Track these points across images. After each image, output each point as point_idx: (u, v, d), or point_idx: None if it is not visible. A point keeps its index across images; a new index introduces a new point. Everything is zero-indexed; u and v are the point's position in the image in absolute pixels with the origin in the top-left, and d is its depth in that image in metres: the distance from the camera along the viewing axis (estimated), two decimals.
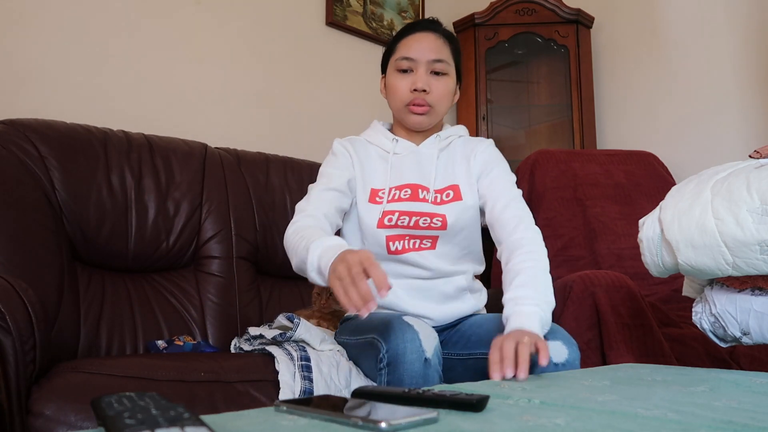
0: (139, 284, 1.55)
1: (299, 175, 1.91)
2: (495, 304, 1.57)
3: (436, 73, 1.29)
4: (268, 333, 1.32)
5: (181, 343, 1.44)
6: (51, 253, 1.33)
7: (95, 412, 0.48)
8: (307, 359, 1.20)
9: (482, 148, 1.36)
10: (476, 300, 1.34)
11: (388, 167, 1.32)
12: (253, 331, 1.40)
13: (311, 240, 1.05)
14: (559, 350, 1.07)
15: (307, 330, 1.28)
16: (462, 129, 1.41)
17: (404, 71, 1.29)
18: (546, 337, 1.07)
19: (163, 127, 1.79)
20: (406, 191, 1.29)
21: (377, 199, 1.28)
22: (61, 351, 1.26)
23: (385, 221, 1.25)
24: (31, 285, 1.10)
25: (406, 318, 1.10)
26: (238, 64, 2.21)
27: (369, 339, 1.13)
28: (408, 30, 1.33)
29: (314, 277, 1.04)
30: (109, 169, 1.54)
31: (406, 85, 1.28)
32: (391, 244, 1.26)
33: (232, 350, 1.44)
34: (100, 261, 1.50)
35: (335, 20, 2.52)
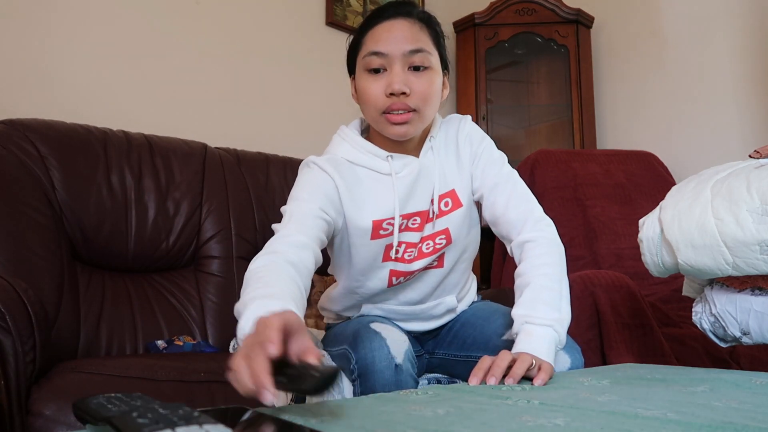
0: (139, 284, 1.55)
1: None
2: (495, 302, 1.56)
3: (416, 68, 1.03)
4: None
5: (181, 343, 1.45)
6: (51, 253, 1.33)
7: (82, 413, 0.47)
8: None
9: (466, 131, 1.15)
10: (466, 302, 1.24)
11: (393, 193, 1.07)
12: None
13: (252, 297, 0.82)
14: (561, 359, 1.01)
15: None
16: (439, 118, 1.17)
17: (375, 71, 1.03)
18: None
19: (163, 127, 1.79)
20: (414, 220, 1.09)
21: (381, 232, 1.07)
22: (61, 351, 1.26)
23: (391, 254, 1.08)
24: (31, 285, 1.10)
25: (373, 325, 1.00)
26: (239, 65, 2.21)
27: (342, 350, 1.03)
28: (374, 18, 1.05)
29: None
30: (109, 169, 1.54)
31: (380, 88, 1.02)
32: (394, 278, 1.10)
33: (231, 351, 1.44)
34: (100, 261, 1.50)
35: (335, 20, 2.52)
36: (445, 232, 1.11)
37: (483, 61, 2.78)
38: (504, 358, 0.86)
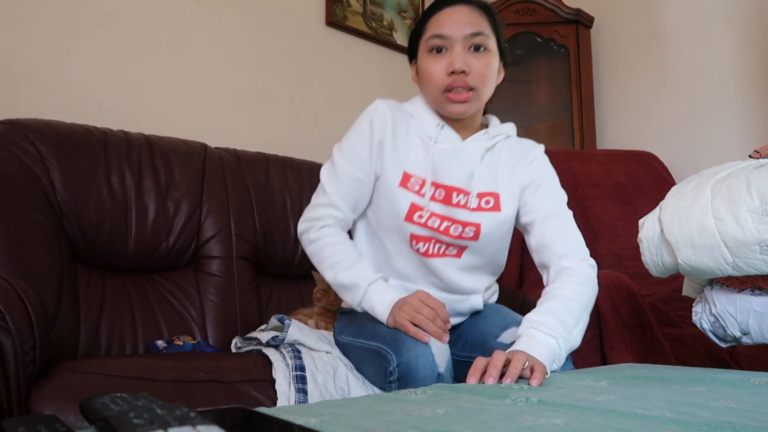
0: (138, 284, 1.55)
1: (299, 175, 1.91)
2: (505, 303, 1.56)
3: (476, 49, 1.11)
4: (263, 336, 1.32)
5: (181, 343, 1.45)
6: (51, 253, 1.33)
7: (87, 413, 0.47)
8: (302, 368, 1.17)
9: (534, 156, 1.23)
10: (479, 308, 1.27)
11: (427, 157, 1.16)
12: (250, 335, 1.41)
13: (363, 275, 1.13)
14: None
15: (299, 330, 1.26)
16: (511, 128, 1.26)
17: (438, 51, 1.12)
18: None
19: (162, 127, 1.79)
20: (440, 191, 1.15)
21: (408, 185, 1.14)
22: (61, 351, 1.26)
23: (415, 217, 1.13)
24: (31, 285, 1.10)
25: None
26: (238, 64, 2.21)
27: (376, 348, 1.09)
28: (438, 5, 1.15)
29: (356, 308, 1.15)
30: (109, 169, 1.54)
31: (442, 67, 1.11)
32: (414, 242, 1.15)
33: (233, 350, 1.44)
34: (100, 261, 1.50)
35: (335, 20, 2.51)
36: (477, 226, 1.15)
37: None
38: (498, 358, 0.88)
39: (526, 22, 2.77)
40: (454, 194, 1.15)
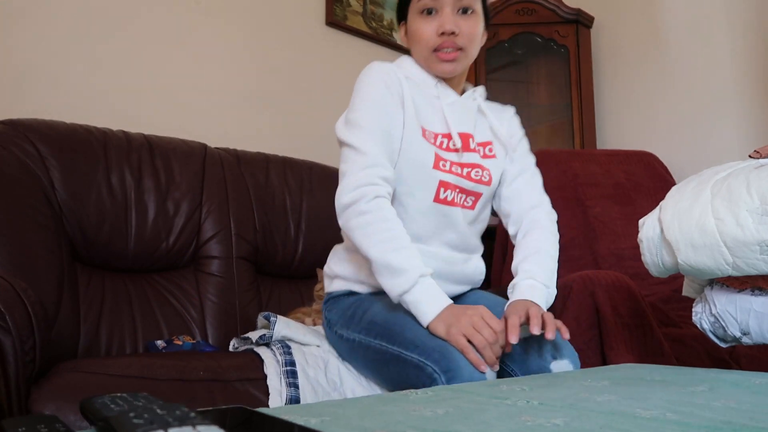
0: (138, 284, 1.55)
1: (299, 175, 1.91)
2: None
3: (464, 12, 1.18)
4: (253, 335, 1.33)
5: (181, 343, 1.45)
6: (51, 253, 1.33)
7: (87, 413, 0.47)
8: (293, 363, 1.17)
9: (510, 115, 1.35)
10: (477, 280, 1.31)
11: (438, 109, 1.21)
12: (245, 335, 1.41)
13: (415, 264, 1.05)
14: (562, 362, 1.07)
15: (285, 326, 1.26)
16: (483, 89, 1.33)
17: (428, 13, 1.17)
18: (554, 357, 1.07)
19: (162, 128, 1.79)
20: (455, 142, 1.19)
21: (428, 139, 1.18)
22: (61, 351, 1.26)
23: (440, 165, 1.16)
24: (31, 285, 1.10)
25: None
26: (238, 64, 2.21)
27: (416, 361, 1.00)
28: None
29: (394, 297, 1.06)
30: (108, 169, 1.54)
31: (432, 28, 1.17)
32: (442, 190, 1.17)
33: (231, 350, 1.45)
34: (99, 261, 1.50)
35: (335, 20, 2.51)
36: (488, 172, 1.24)
37: (483, 61, 2.78)
38: (535, 311, 1.03)
39: (526, 22, 2.77)
40: (470, 140, 1.23)
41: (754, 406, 0.62)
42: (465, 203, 1.21)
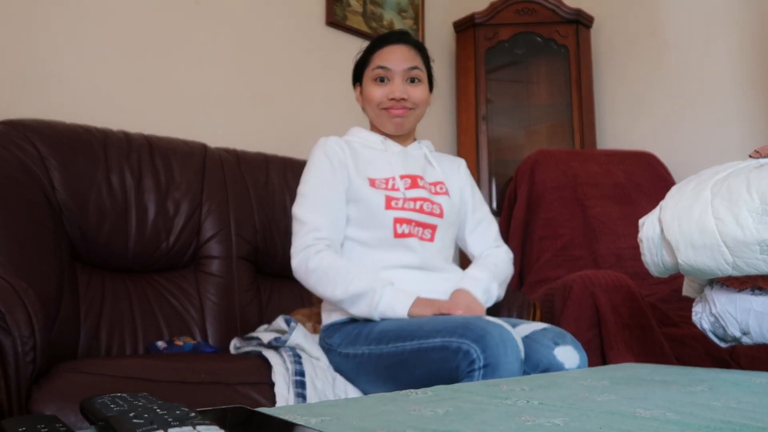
0: (138, 284, 1.55)
1: (299, 175, 1.90)
2: (505, 303, 1.56)
3: (412, 81, 1.36)
4: (265, 336, 1.31)
5: (181, 344, 1.45)
6: (51, 253, 1.34)
7: (87, 413, 0.47)
8: (302, 373, 1.17)
9: (461, 165, 1.53)
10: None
11: (384, 159, 1.37)
12: (251, 334, 1.40)
13: (375, 278, 1.22)
14: (571, 355, 1.09)
15: (303, 336, 1.26)
16: (430, 143, 1.50)
17: (381, 80, 1.36)
18: (557, 343, 1.11)
19: (163, 128, 1.79)
20: (406, 180, 1.35)
21: (377, 185, 1.33)
22: (61, 351, 1.26)
23: (392, 204, 1.30)
24: (31, 285, 1.10)
25: (490, 318, 1.08)
26: (238, 64, 2.21)
27: (432, 344, 1.07)
28: (381, 42, 1.39)
29: (371, 315, 1.20)
30: (108, 169, 1.54)
31: (384, 93, 1.35)
32: (398, 226, 1.30)
33: (232, 351, 1.45)
34: (100, 261, 1.50)
35: (335, 20, 2.51)
36: (440, 206, 1.37)
37: (483, 61, 2.78)
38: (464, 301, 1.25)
39: (526, 22, 2.77)
40: (419, 180, 1.37)
41: (755, 405, 0.62)
42: (423, 236, 1.34)
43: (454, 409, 0.60)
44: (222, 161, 1.77)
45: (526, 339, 1.13)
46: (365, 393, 1.21)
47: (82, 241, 1.46)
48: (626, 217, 2.25)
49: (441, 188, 1.41)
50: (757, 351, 1.55)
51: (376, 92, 1.35)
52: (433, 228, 1.35)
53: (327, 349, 1.29)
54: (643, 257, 1.20)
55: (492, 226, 1.52)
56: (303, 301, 1.78)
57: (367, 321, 1.23)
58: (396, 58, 1.36)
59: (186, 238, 1.64)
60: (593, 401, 0.64)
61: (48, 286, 1.29)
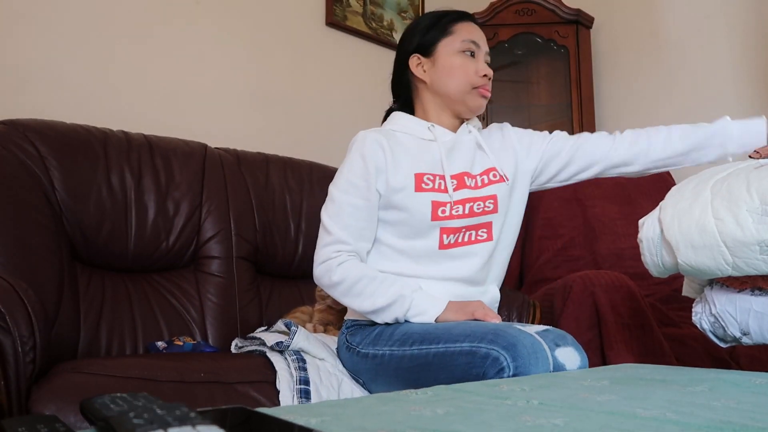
0: (138, 284, 1.55)
1: (299, 175, 1.91)
2: (506, 304, 1.55)
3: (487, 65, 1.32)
4: (268, 338, 1.30)
5: (181, 344, 1.45)
6: (51, 253, 1.33)
7: (87, 413, 0.47)
8: (306, 381, 1.15)
9: (506, 129, 1.40)
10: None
11: (433, 153, 1.25)
12: (253, 334, 1.40)
13: (404, 285, 1.17)
14: (572, 357, 1.07)
15: (305, 338, 1.25)
16: (477, 121, 1.40)
17: (471, 54, 1.28)
18: (558, 344, 1.07)
19: (162, 128, 1.79)
20: (453, 181, 1.24)
21: (424, 186, 1.21)
22: (61, 351, 1.26)
23: (439, 213, 1.20)
24: (31, 285, 1.10)
25: (518, 326, 1.06)
26: (238, 64, 2.21)
27: (459, 348, 1.04)
28: (461, 16, 1.32)
29: (401, 319, 1.16)
30: (108, 169, 1.54)
31: (474, 68, 1.27)
32: (445, 237, 1.21)
33: (234, 350, 1.44)
34: (99, 261, 1.50)
35: (335, 20, 2.51)
36: (493, 198, 1.25)
37: None
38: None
39: (526, 22, 2.77)
40: (465, 178, 1.25)
41: (755, 406, 0.62)
42: (479, 237, 1.24)
43: (455, 410, 0.60)
44: (222, 161, 1.77)
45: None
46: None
47: (82, 240, 1.46)
48: (626, 217, 2.25)
49: (494, 175, 1.28)
50: (757, 351, 1.55)
51: (468, 65, 1.27)
52: (489, 225, 1.24)
53: (347, 347, 1.24)
54: (643, 257, 1.20)
55: (581, 137, 1.37)
56: (303, 301, 1.78)
57: (389, 324, 1.19)
58: (481, 36, 1.31)
59: (186, 238, 1.64)
60: (593, 401, 0.64)
61: (48, 286, 1.29)
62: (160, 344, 1.43)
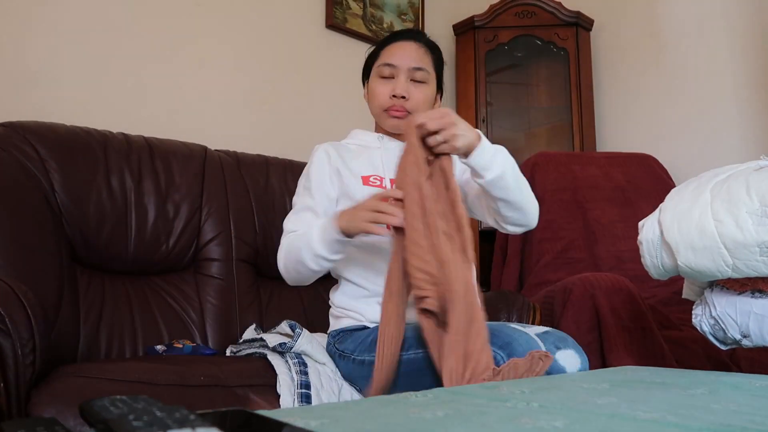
0: (138, 287, 1.55)
1: (299, 177, 1.91)
2: (494, 306, 1.56)
3: (416, 81, 1.31)
4: (270, 339, 1.30)
5: (181, 346, 1.44)
6: (51, 255, 1.33)
7: (87, 416, 0.47)
8: (308, 386, 1.15)
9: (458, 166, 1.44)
10: None
11: (375, 157, 1.33)
12: (249, 334, 1.40)
13: (309, 229, 1.18)
14: (573, 359, 1.06)
15: (308, 342, 1.24)
16: None
17: (385, 77, 1.32)
18: (558, 347, 1.07)
19: (162, 130, 1.79)
20: (387, 184, 1.31)
21: (371, 183, 1.30)
22: (61, 354, 1.26)
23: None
24: (31, 287, 1.10)
25: (518, 326, 1.08)
26: (238, 67, 2.22)
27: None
28: (392, 38, 1.36)
29: (321, 250, 1.14)
30: (108, 171, 1.54)
31: (386, 90, 1.31)
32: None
33: (228, 354, 1.45)
34: (99, 263, 1.50)
35: (335, 23, 2.52)
36: None
37: (483, 64, 2.78)
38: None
39: (526, 24, 2.78)
40: None
41: (755, 408, 0.61)
42: None
43: (454, 412, 0.60)
44: (222, 163, 1.77)
45: (525, 342, 1.10)
46: None
47: (81, 243, 1.46)
48: (626, 219, 2.25)
49: None
50: (758, 354, 1.54)
51: (379, 88, 1.32)
52: None
53: (339, 355, 1.25)
54: (642, 259, 1.20)
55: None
56: (303, 304, 1.78)
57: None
58: (403, 55, 1.31)
59: (186, 240, 1.64)
60: (593, 404, 0.64)
61: (48, 288, 1.28)
62: (159, 348, 1.43)
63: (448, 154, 1.08)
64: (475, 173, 1.14)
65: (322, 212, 1.28)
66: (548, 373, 1.06)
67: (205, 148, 1.78)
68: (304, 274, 1.22)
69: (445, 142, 1.05)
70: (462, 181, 1.33)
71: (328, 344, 1.30)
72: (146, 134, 1.71)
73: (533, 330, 1.12)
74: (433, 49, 1.36)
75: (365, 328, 1.24)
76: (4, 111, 1.62)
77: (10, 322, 0.98)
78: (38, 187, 1.39)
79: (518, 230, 1.26)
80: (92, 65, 1.86)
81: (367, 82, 1.40)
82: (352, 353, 1.21)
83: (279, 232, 1.81)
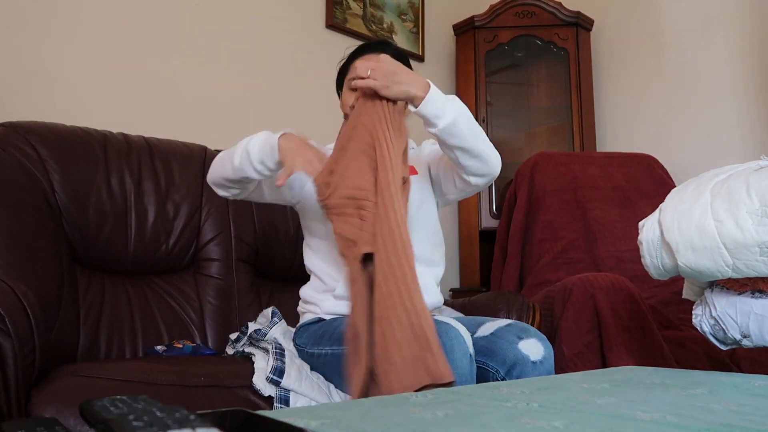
0: (138, 287, 1.55)
1: None
2: (494, 306, 1.56)
3: None
4: (252, 326, 1.35)
5: (181, 346, 1.44)
6: (50, 255, 1.33)
7: (87, 416, 0.47)
8: (281, 372, 1.18)
9: (422, 150, 1.49)
10: (439, 297, 1.36)
11: None
12: (235, 334, 1.42)
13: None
14: (536, 347, 1.11)
15: (281, 333, 1.30)
16: (412, 143, 1.46)
17: (354, 90, 1.32)
18: (520, 337, 1.12)
19: (162, 130, 1.79)
20: None
21: None
22: (61, 354, 1.26)
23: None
24: (31, 287, 1.10)
25: (439, 318, 1.09)
26: (238, 67, 2.22)
27: None
28: (359, 51, 1.41)
29: (253, 147, 1.25)
30: (108, 171, 1.54)
31: (353, 100, 1.33)
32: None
33: (225, 355, 1.46)
34: (99, 263, 1.50)
35: (335, 23, 2.52)
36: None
37: (483, 64, 2.78)
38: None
39: (526, 24, 2.78)
40: None
41: (755, 408, 0.61)
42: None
43: (455, 412, 0.60)
44: None
45: (491, 336, 1.16)
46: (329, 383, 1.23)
47: (81, 243, 1.46)
48: (626, 219, 2.25)
49: (412, 171, 1.38)
50: (758, 354, 1.54)
51: (349, 100, 1.36)
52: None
53: (298, 350, 1.30)
54: (643, 260, 1.20)
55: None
56: None
57: (333, 320, 1.24)
58: (368, 67, 1.33)
59: (185, 240, 1.64)
60: (593, 404, 0.64)
61: (48, 288, 1.28)
62: (159, 348, 1.43)
63: (392, 101, 1.17)
64: (427, 123, 1.17)
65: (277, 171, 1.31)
66: (514, 363, 1.09)
67: (205, 148, 1.78)
68: (226, 168, 1.28)
69: (383, 85, 1.14)
70: (430, 159, 1.42)
71: (293, 341, 1.35)
72: (146, 134, 1.71)
73: (496, 324, 1.17)
74: (400, 58, 1.37)
75: (321, 320, 1.28)
76: (3, 111, 1.62)
77: (10, 322, 0.98)
78: (38, 188, 1.39)
79: (481, 181, 1.28)
80: (92, 65, 1.86)
81: (341, 93, 1.44)
82: (305, 346, 1.27)
83: (279, 232, 1.82)
